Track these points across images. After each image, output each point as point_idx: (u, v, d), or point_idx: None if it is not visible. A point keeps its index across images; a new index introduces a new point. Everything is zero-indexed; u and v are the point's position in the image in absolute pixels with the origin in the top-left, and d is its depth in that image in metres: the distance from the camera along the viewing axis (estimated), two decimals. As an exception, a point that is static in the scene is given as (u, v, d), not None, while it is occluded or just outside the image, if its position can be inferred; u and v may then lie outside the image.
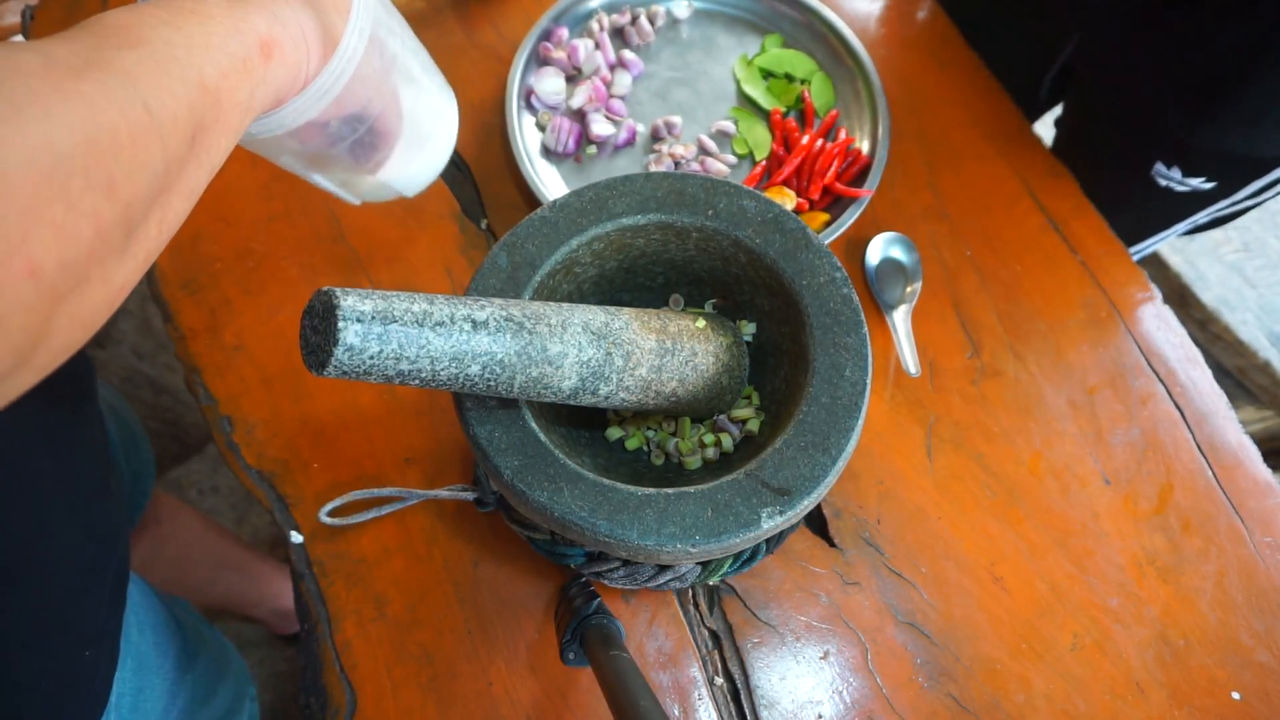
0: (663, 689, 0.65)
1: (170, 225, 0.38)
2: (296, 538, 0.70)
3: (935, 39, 0.91)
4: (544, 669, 0.66)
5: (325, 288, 0.41)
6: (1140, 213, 0.92)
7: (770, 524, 0.50)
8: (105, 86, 0.33)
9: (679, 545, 0.50)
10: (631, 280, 0.65)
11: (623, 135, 0.83)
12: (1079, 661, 0.67)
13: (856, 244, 0.80)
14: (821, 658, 0.67)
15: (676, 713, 0.65)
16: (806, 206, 0.80)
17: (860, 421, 0.53)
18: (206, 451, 1.61)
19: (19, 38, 1.03)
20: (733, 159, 0.83)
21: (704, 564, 0.62)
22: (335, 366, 0.40)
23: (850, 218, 0.78)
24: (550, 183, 0.82)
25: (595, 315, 0.53)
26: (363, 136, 0.57)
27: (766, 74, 0.87)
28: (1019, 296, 0.79)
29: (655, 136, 0.84)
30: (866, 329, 0.55)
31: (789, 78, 0.87)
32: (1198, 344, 0.79)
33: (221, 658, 0.90)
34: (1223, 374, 1.53)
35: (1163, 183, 0.86)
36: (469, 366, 0.46)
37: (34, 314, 0.30)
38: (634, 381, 0.55)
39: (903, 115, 0.86)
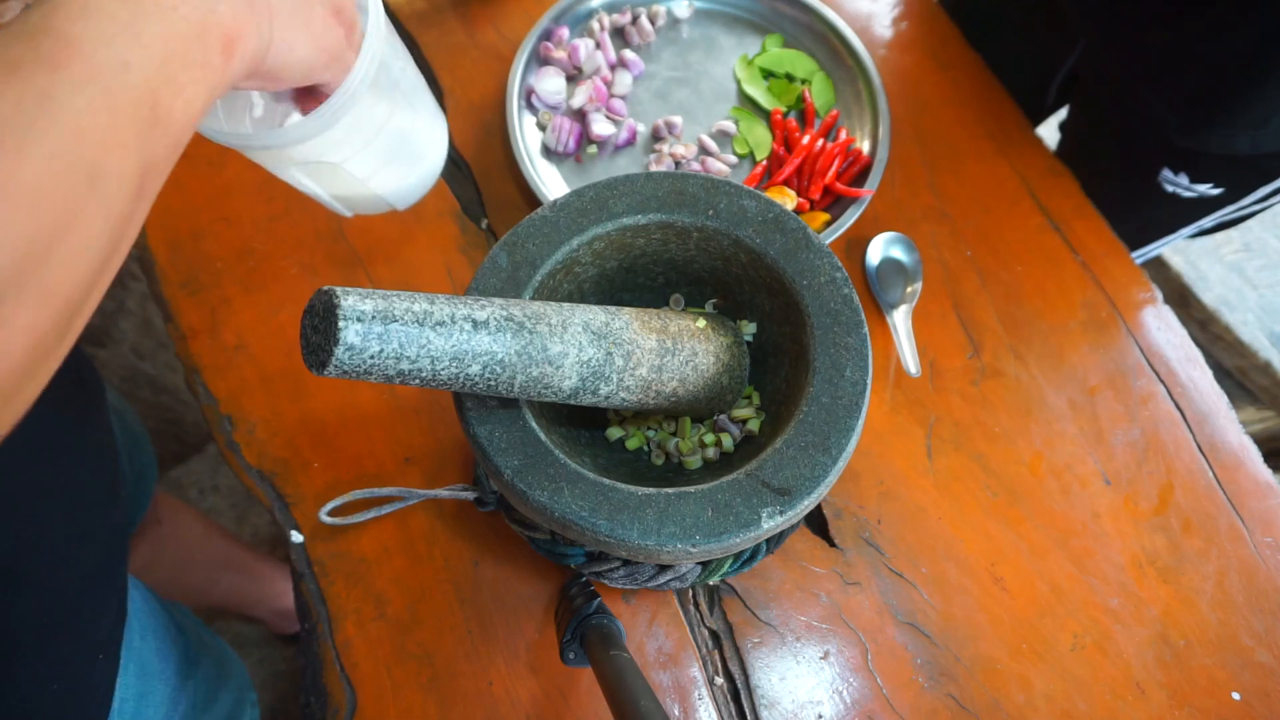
0: (663, 689, 0.65)
1: (112, 275, 0.34)
2: (297, 537, 0.70)
3: (935, 39, 0.91)
4: (544, 669, 0.66)
5: (326, 287, 0.41)
6: (1146, 218, 0.92)
7: (770, 524, 0.50)
8: (50, 166, 0.29)
9: (679, 545, 0.50)
10: (632, 280, 0.65)
11: (623, 135, 0.83)
12: (1079, 662, 0.67)
13: (857, 244, 0.80)
14: (822, 658, 0.67)
15: (676, 713, 0.65)
16: (807, 206, 0.80)
17: (861, 421, 0.53)
18: (207, 451, 1.61)
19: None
20: (733, 159, 0.83)
21: (704, 564, 0.62)
22: (336, 366, 0.40)
23: (851, 218, 0.78)
24: (550, 182, 0.81)
25: (596, 315, 0.53)
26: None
27: (767, 74, 0.87)
28: (1019, 297, 0.79)
29: (656, 136, 0.84)
30: (867, 329, 0.55)
31: (789, 78, 0.87)
32: (1198, 344, 0.79)
33: (223, 663, 0.89)
34: (1223, 374, 1.53)
35: (1169, 188, 0.86)
36: (469, 366, 0.46)
37: None
38: (634, 381, 0.55)
39: (903, 115, 0.86)
